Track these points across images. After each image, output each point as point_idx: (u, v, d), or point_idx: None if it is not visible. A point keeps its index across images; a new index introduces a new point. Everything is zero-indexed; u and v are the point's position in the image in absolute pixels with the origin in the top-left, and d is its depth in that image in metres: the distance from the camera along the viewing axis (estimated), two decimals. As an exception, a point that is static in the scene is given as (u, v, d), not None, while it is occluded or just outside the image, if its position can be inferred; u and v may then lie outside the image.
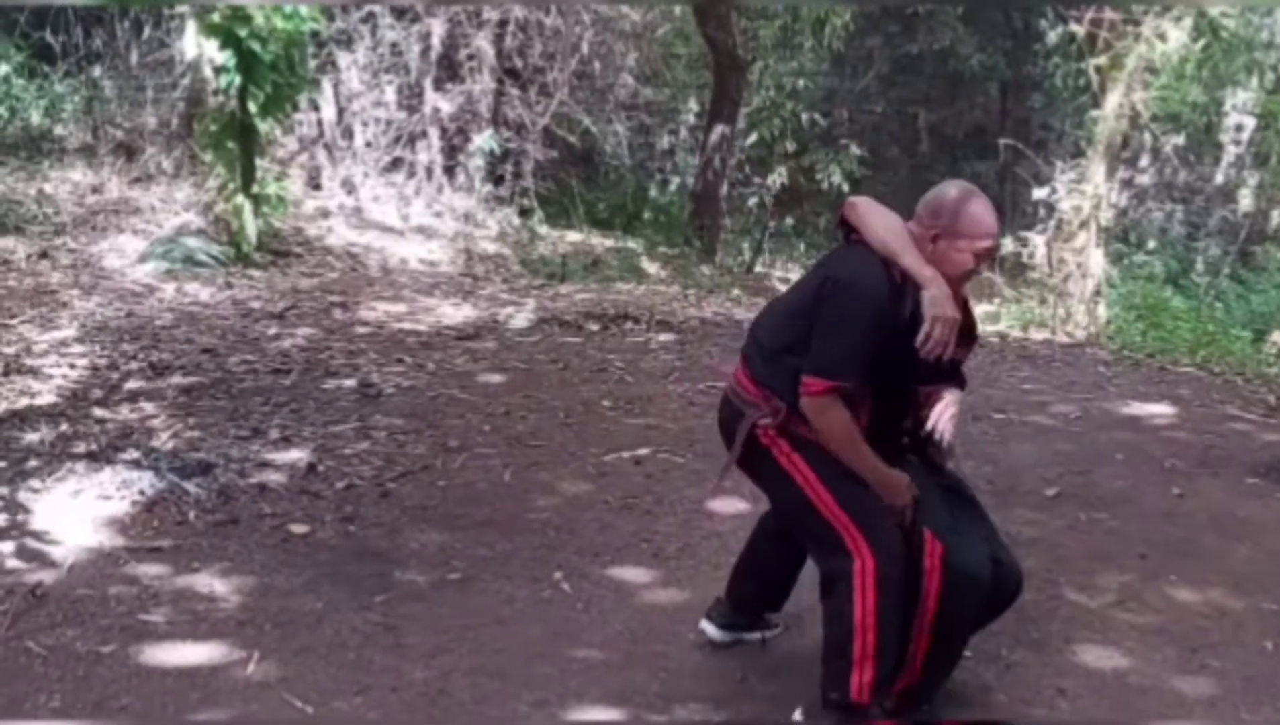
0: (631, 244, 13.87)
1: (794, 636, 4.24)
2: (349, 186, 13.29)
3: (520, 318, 8.85)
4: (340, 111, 13.64)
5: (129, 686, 3.80)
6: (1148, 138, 16.26)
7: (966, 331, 3.73)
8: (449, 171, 13.95)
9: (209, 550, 4.74)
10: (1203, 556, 5.11)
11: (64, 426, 5.87)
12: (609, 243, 13.75)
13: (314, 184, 13.34)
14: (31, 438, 5.68)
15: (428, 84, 13.92)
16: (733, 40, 14.35)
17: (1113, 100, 13.23)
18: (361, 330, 8.38)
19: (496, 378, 7.27)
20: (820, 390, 3.43)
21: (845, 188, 15.49)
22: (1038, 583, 4.55)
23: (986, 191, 3.69)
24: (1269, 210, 18.55)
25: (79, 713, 3.66)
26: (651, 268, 13.01)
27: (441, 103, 13.91)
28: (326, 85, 13.41)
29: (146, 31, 13.99)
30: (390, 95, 13.85)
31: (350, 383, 6.94)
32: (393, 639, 4.16)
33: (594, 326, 8.72)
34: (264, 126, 10.74)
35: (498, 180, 14.10)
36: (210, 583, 4.49)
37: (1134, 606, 4.64)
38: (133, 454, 5.49)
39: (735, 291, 12.28)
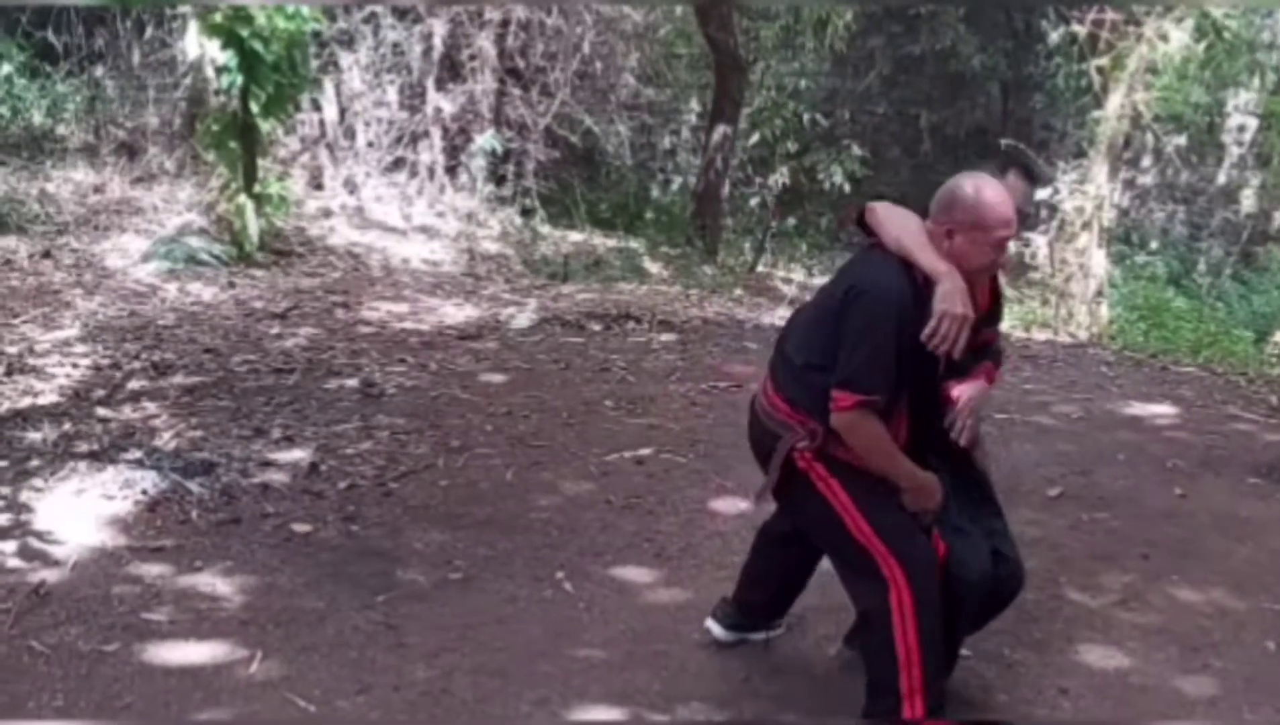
0: (633, 244, 13.86)
1: (796, 636, 4.25)
2: (351, 186, 13.29)
3: (522, 318, 8.85)
4: (342, 111, 13.64)
5: (132, 685, 3.81)
6: (1150, 138, 16.26)
7: (990, 317, 3.73)
8: (451, 171, 13.95)
9: (211, 549, 4.75)
10: (1205, 556, 5.11)
11: (67, 426, 5.88)
12: (611, 243, 13.74)
13: (316, 184, 13.33)
14: (34, 437, 5.69)
15: (430, 84, 13.91)
16: (734, 40, 14.34)
17: (1114, 101, 13.25)
18: (364, 330, 8.38)
19: (498, 377, 7.28)
20: (850, 405, 3.36)
21: (847, 188, 15.49)
22: (1040, 582, 4.56)
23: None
24: (1271, 211, 18.55)
25: (82, 712, 3.67)
26: (653, 268, 13.00)
27: (443, 103, 13.91)
28: (328, 85, 13.40)
29: (148, 31, 13.98)
30: (392, 95, 13.85)
31: (352, 382, 6.94)
32: (395, 638, 4.16)
33: (596, 326, 8.72)
34: (266, 126, 10.74)
35: (500, 180, 14.10)
36: (213, 582, 4.50)
37: (1136, 606, 4.65)
38: (135, 453, 5.50)
39: (737, 291, 12.27)
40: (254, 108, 10.28)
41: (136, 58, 14.08)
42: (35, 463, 5.36)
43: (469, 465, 5.79)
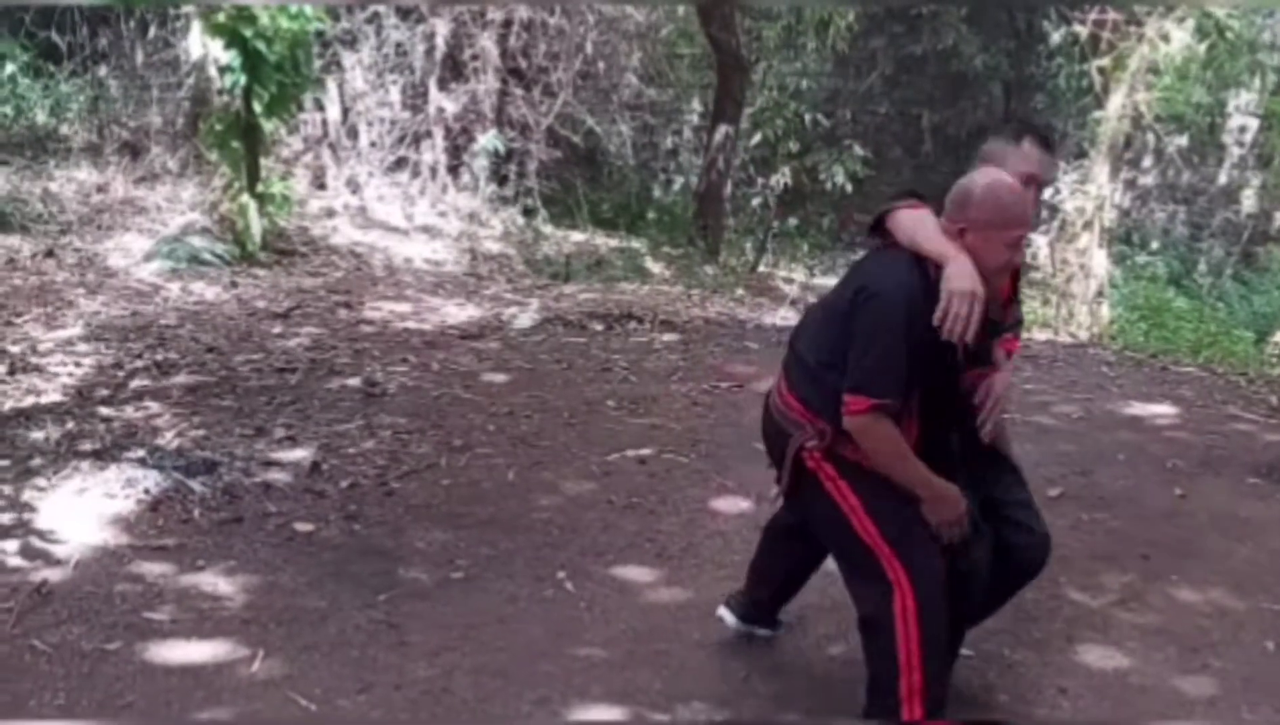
0: (635, 244, 13.86)
1: (797, 636, 4.26)
2: (354, 186, 13.30)
3: (524, 317, 8.86)
4: (345, 111, 13.64)
5: (133, 684, 3.82)
6: (1151, 138, 16.27)
7: (1004, 315, 3.71)
8: (453, 171, 13.95)
9: (214, 548, 4.75)
10: (1204, 557, 5.11)
11: (69, 425, 5.88)
12: (613, 243, 13.74)
13: (319, 183, 13.34)
14: (37, 436, 5.70)
15: (432, 84, 13.92)
16: (736, 41, 14.34)
17: (1116, 101, 13.26)
18: (366, 329, 8.39)
19: (500, 377, 7.28)
20: (862, 408, 3.32)
21: (848, 188, 15.50)
22: (1040, 582, 4.51)
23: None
24: (1272, 211, 18.55)
25: (83, 710, 3.67)
26: (655, 268, 13.00)
27: (446, 102, 13.92)
28: (331, 85, 13.41)
29: (152, 31, 13.99)
30: (395, 95, 13.86)
31: (355, 382, 6.95)
32: (396, 637, 4.17)
33: (598, 326, 8.73)
34: (269, 126, 10.76)
35: (502, 180, 14.10)
36: (215, 581, 4.51)
37: (1135, 606, 4.65)
38: (138, 452, 5.51)
39: (739, 291, 12.28)
40: (257, 107, 10.31)
41: (140, 57, 14.09)
42: (38, 462, 5.37)
43: (471, 465, 5.80)
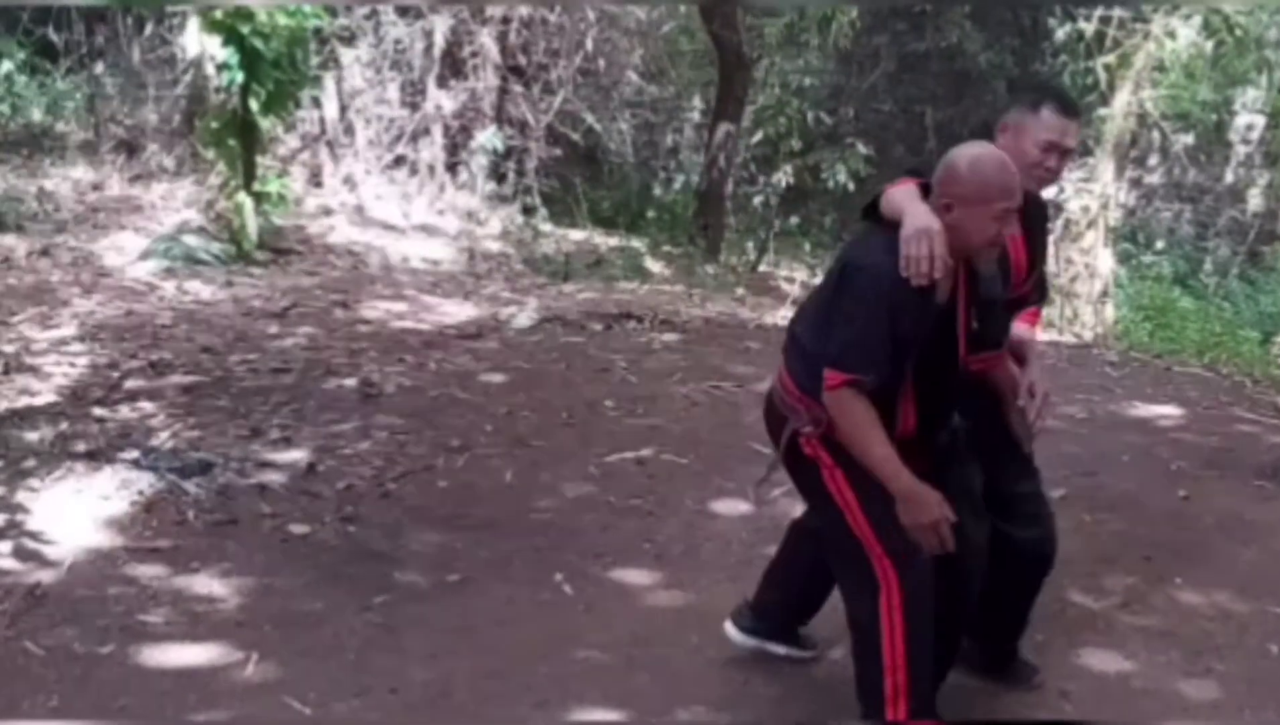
0: (635, 243, 13.83)
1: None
2: (351, 184, 13.26)
3: (522, 317, 8.82)
4: (342, 109, 13.61)
5: (127, 687, 3.81)
6: (1156, 137, 16.24)
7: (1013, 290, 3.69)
8: (452, 169, 13.92)
9: (208, 550, 4.74)
10: (1208, 559, 5.09)
11: (63, 426, 5.85)
12: (612, 241, 13.72)
13: (316, 182, 13.31)
14: (31, 437, 5.67)
15: (431, 81, 13.89)
16: (738, 38, 14.31)
17: (1121, 99, 13.23)
18: (363, 329, 8.36)
19: (498, 377, 7.25)
20: (837, 383, 3.25)
21: (851, 187, 15.44)
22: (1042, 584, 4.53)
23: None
24: (1278, 210, 18.51)
25: (77, 713, 3.67)
26: (655, 267, 12.98)
27: (444, 100, 13.88)
28: (329, 82, 13.38)
29: (148, 29, 13.99)
30: (393, 92, 13.83)
31: (351, 382, 6.92)
32: (393, 640, 4.15)
33: (597, 326, 8.69)
34: (266, 124, 10.73)
35: (501, 178, 14.07)
36: (209, 583, 4.49)
37: (1139, 609, 4.63)
38: (132, 453, 5.48)
39: (739, 291, 12.26)
40: (254, 105, 10.27)
41: (136, 55, 14.09)
42: (32, 463, 5.34)
43: (468, 466, 5.77)
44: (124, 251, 10.33)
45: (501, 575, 4.68)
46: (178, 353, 7.34)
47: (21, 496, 5.02)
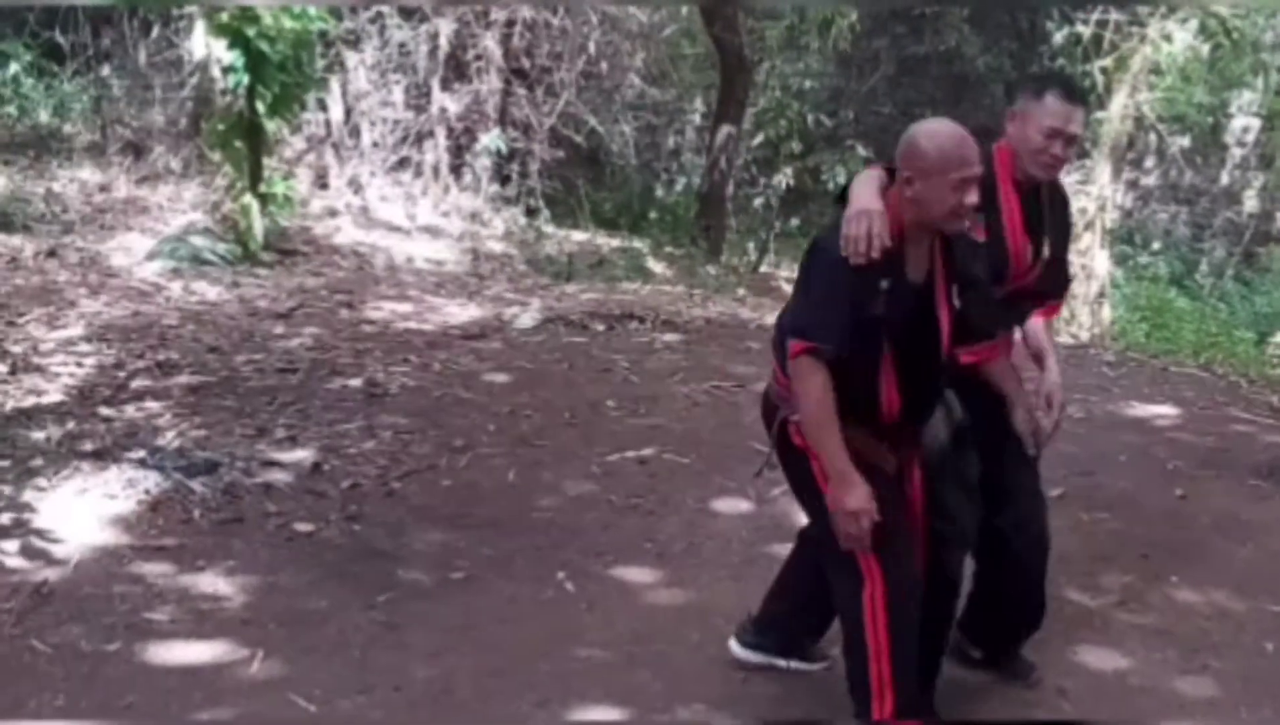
0: (637, 244, 13.85)
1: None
2: (356, 186, 13.28)
3: (526, 317, 8.85)
4: (348, 111, 13.63)
5: (133, 685, 3.83)
6: (1153, 139, 16.24)
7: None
8: (456, 171, 13.94)
9: (214, 549, 4.76)
10: (1205, 558, 5.11)
11: (70, 425, 5.88)
12: (615, 242, 13.74)
13: (321, 183, 13.33)
14: (38, 436, 5.70)
15: (435, 84, 13.91)
16: (739, 41, 14.34)
17: (1118, 101, 13.25)
18: (367, 329, 8.39)
19: (502, 377, 7.28)
20: (797, 351, 3.30)
21: (851, 188, 15.44)
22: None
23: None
24: (1274, 211, 18.53)
25: (83, 711, 3.69)
26: (657, 268, 13.00)
27: (449, 102, 13.90)
28: (334, 85, 13.40)
29: (155, 31, 13.99)
30: (398, 95, 13.84)
31: (356, 382, 6.95)
32: (396, 638, 4.18)
33: (599, 326, 8.71)
34: (272, 126, 10.75)
35: (504, 180, 14.09)
36: (215, 581, 4.52)
37: (1136, 607, 4.66)
38: (139, 453, 5.51)
39: (740, 292, 12.28)
40: (260, 107, 10.30)
41: (143, 57, 14.09)
42: (39, 462, 5.37)
43: (471, 465, 5.80)
44: (131, 252, 10.36)
45: (504, 573, 4.70)
46: (184, 353, 7.38)
47: (29, 495, 5.04)
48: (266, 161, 10.90)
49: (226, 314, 8.59)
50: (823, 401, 3.29)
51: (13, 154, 12.75)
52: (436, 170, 13.78)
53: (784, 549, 4.15)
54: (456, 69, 14.07)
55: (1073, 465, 6.06)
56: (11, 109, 13.46)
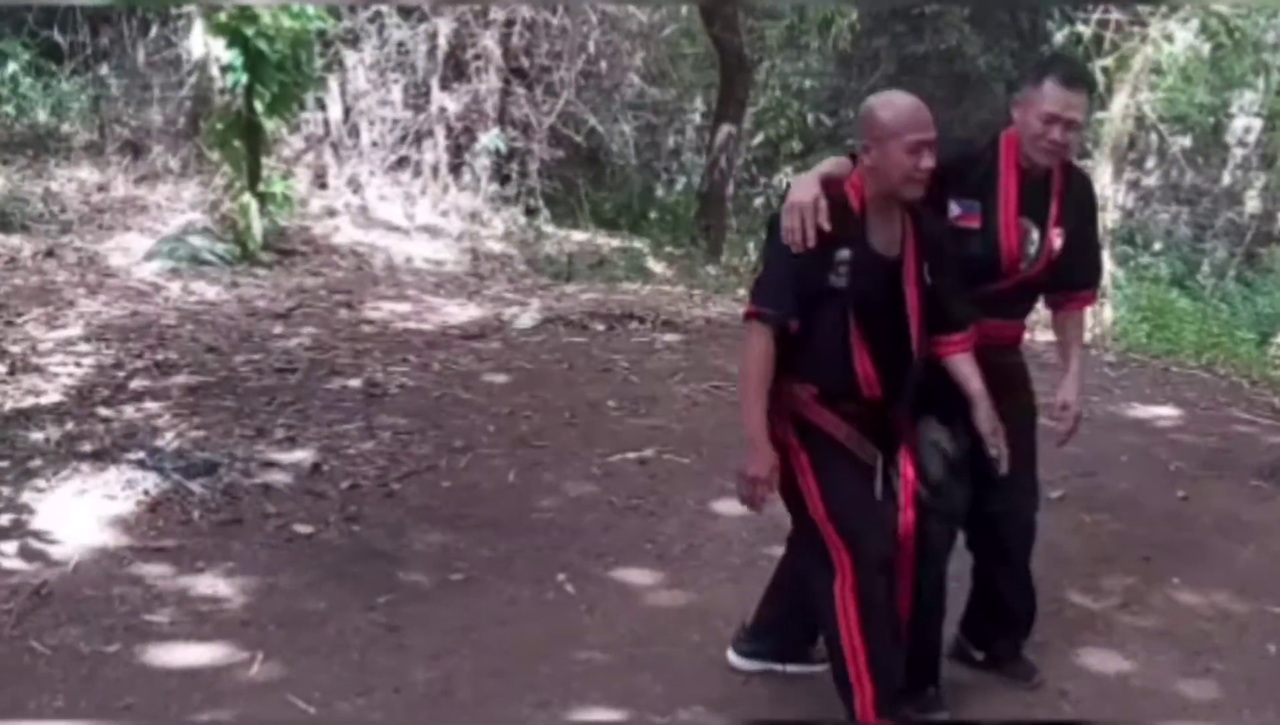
0: (637, 244, 13.85)
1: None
2: (355, 185, 13.26)
3: (525, 317, 8.84)
4: (347, 110, 13.61)
5: (132, 686, 3.82)
6: (1154, 139, 16.23)
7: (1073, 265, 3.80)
8: (455, 171, 13.92)
9: (213, 550, 4.75)
10: (1207, 559, 5.11)
11: (69, 426, 5.87)
12: (615, 242, 13.73)
13: (320, 183, 13.31)
14: (37, 437, 5.69)
15: (434, 83, 13.89)
16: (739, 40, 14.33)
17: (1119, 101, 13.23)
18: (367, 330, 8.38)
19: (501, 378, 7.27)
20: (746, 314, 3.46)
21: (851, 188, 15.44)
22: (1040, 585, 4.53)
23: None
24: (1275, 212, 18.51)
25: (82, 713, 3.68)
26: (657, 267, 12.99)
27: (448, 102, 13.88)
28: (333, 84, 13.38)
29: (153, 30, 13.97)
30: (397, 94, 13.82)
31: (355, 382, 6.94)
32: (396, 640, 4.17)
33: (599, 326, 8.71)
34: (270, 125, 10.74)
35: (504, 179, 14.07)
36: (214, 583, 4.51)
37: (1137, 609, 4.65)
38: (138, 453, 5.50)
39: (741, 292, 12.24)
40: (258, 106, 10.29)
41: (141, 56, 14.07)
42: (38, 463, 5.36)
43: (471, 466, 5.80)
44: (129, 252, 10.35)
45: (504, 575, 4.70)
46: (183, 353, 7.37)
47: (27, 496, 5.04)
48: (265, 161, 10.89)
49: (225, 314, 8.58)
50: (757, 364, 3.43)
51: (11, 153, 12.73)
52: (436, 170, 13.76)
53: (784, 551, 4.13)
54: (456, 68, 14.05)
55: (1074, 466, 6.05)
56: (9, 108, 13.44)
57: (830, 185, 3.41)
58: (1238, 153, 18.85)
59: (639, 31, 15.60)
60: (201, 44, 11.93)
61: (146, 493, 5.13)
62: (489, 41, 13.89)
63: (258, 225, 10.58)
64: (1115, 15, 13.04)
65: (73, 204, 11.59)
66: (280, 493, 5.31)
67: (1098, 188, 13.26)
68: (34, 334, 7.62)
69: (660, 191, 17.08)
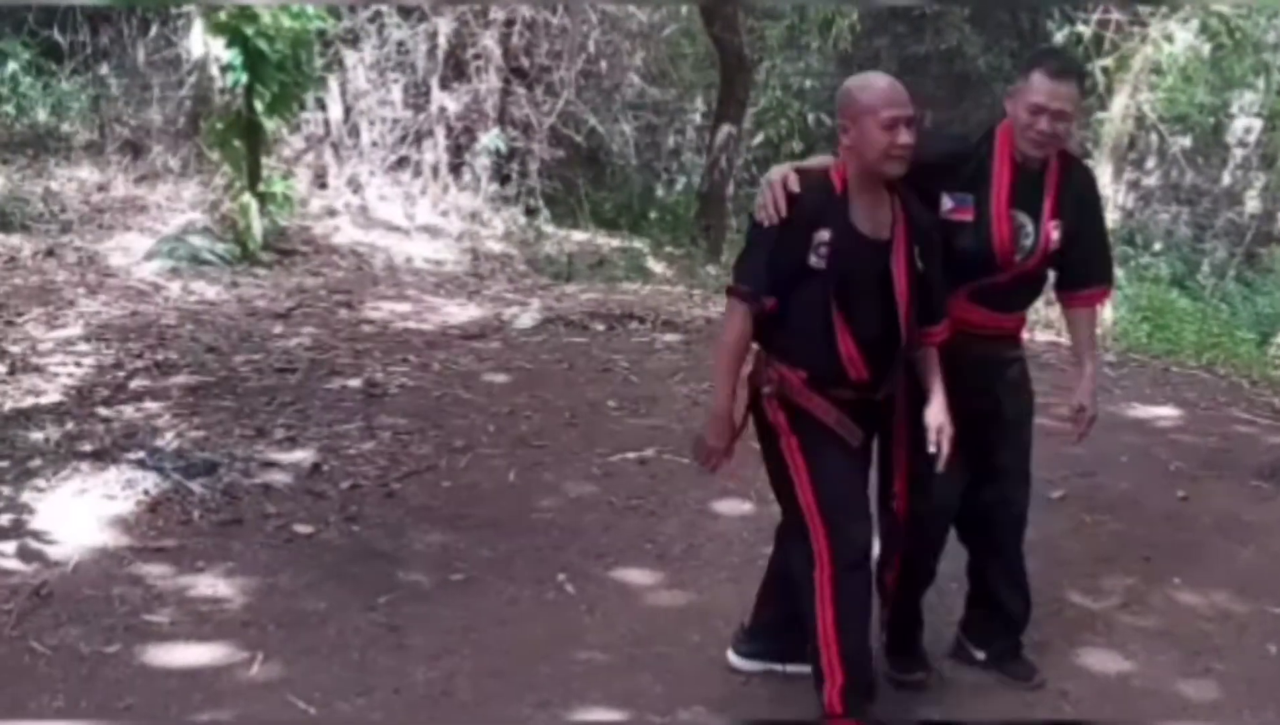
0: (637, 244, 13.85)
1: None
2: (355, 185, 13.26)
3: (525, 317, 8.84)
4: (347, 110, 13.61)
5: (133, 687, 3.82)
6: (1154, 139, 16.22)
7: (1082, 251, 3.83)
8: (455, 170, 13.92)
9: (213, 550, 4.75)
10: (1207, 559, 5.11)
11: (69, 425, 5.87)
12: (615, 242, 13.73)
13: (320, 183, 13.31)
14: (37, 437, 5.68)
15: (434, 83, 13.89)
16: (739, 40, 14.32)
17: (1119, 102, 13.23)
18: (367, 329, 8.38)
19: (501, 378, 7.27)
20: (728, 292, 3.53)
21: (851, 188, 15.43)
22: (1041, 585, 4.54)
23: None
24: (1275, 212, 18.49)
25: (82, 713, 3.68)
26: (657, 267, 12.99)
27: (448, 102, 13.88)
28: (333, 84, 13.38)
29: (153, 30, 13.97)
30: (397, 94, 13.82)
31: (355, 382, 6.94)
32: (396, 640, 4.17)
33: (599, 326, 8.71)
34: (270, 125, 10.74)
35: (504, 179, 14.07)
36: (214, 583, 4.51)
37: (1137, 609, 4.65)
38: (138, 453, 5.50)
39: (741, 292, 12.24)
40: (258, 106, 10.29)
41: (141, 56, 14.08)
42: (37, 462, 5.36)
43: (471, 466, 5.80)
44: (129, 252, 10.35)
45: (504, 575, 4.69)
46: (183, 353, 7.37)
47: (27, 496, 5.03)
48: (265, 161, 10.89)
49: (225, 314, 8.58)
50: (733, 338, 3.50)
51: (11, 153, 12.74)
52: (436, 170, 13.76)
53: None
54: (456, 68, 14.05)
55: (1074, 466, 6.06)
56: (9, 108, 13.43)
57: (811, 171, 3.49)
58: (1238, 153, 18.83)
59: (639, 31, 15.60)
60: (201, 43, 11.92)
61: (146, 493, 5.13)
62: (489, 41, 13.89)
63: (258, 225, 10.58)
64: (1115, 15, 13.04)
65: (73, 204, 11.59)
66: (280, 493, 5.31)
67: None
68: (34, 334, 7.62)
69: (660, 191, 17.07)
